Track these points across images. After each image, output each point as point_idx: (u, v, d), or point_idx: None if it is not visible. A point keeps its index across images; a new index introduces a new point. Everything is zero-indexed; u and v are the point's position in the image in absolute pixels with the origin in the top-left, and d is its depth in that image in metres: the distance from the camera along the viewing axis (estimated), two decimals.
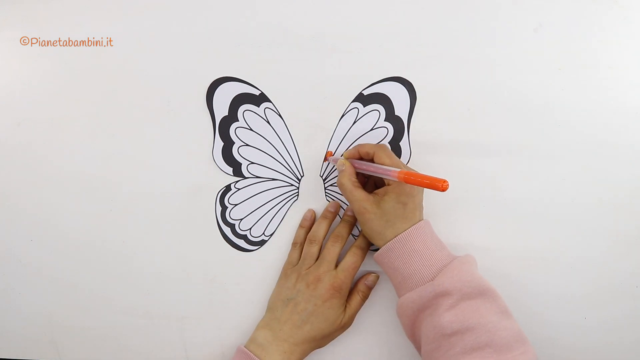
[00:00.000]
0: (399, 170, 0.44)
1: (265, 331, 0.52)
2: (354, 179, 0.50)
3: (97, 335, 0.59)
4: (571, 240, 0.54)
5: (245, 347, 0.51)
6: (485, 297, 0.45)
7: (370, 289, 0.55)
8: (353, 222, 0.54)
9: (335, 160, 0.52)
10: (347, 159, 0.51)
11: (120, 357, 0.59)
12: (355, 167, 0.50)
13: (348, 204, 0.55)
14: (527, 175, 0.54)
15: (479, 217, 0.54)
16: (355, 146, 0.52)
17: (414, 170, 0.50)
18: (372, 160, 0.49)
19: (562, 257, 0.55)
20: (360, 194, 0.49)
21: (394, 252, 0.48)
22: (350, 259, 0.52)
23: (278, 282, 0.56)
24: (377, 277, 0.55)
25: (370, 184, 0.53)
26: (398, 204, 0.47)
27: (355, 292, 0.54)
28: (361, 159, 0.51)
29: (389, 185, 0.48)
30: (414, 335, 0.49)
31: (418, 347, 0.50)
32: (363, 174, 0.52)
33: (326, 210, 0.55)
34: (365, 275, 0.55)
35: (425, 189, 0.50)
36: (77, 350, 0.59)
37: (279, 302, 0.53)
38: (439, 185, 0.39)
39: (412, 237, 0.47)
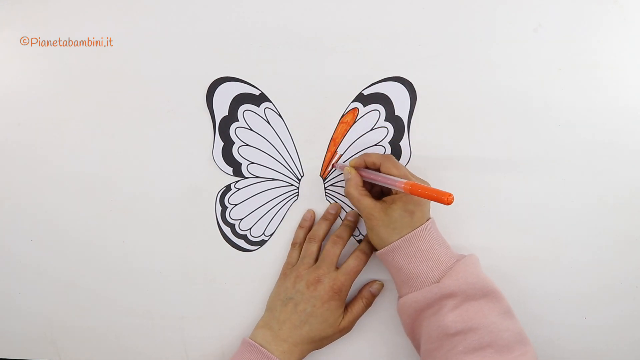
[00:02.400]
0: (405, 181, 0.44)
1: (265, 330, 0.52)
2: (360, 187, 0.50)
3: (97, 335, 0.59)
4: (571, 240, 0.54)
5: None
6: (489, 298, 0.45)
7: (374, 296, 0.55)
8: (353, 226, 0.55)
9: (342, 168, 0.53)
10: (353, 167, 0.51)
11: (120, 357, 0.59)
12: (362, 176, 0.50)
13: (349, 206, 0.55)
14: (527, 175, 0.54)
15: (479, 217, 0.54)
16: (361, 155, 0.52)
17: (420, 179, 0.50)
18: (378, 170, 0.50)
19: (562, 257, 0.55)
20: (367, 202, 0.49)
21: (399, 252, 0.48)
22: (352, 262, 0.52)
23: (277, 282, 0.56)
24: (382, 286, 0.55)
25: (377, 189, 0.53)
26: (405, 213, 0.47)
27: (359, 298, 0.54)
28: (367, 168, 0.51)
29: (396, 193, 0.48)
30: (413, 333, 0.49)
31: (417, 346, 0.50)
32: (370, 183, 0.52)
33: (327, 212, 0.55)
34: (370, 282, 0.55)
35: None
36: (77, 350, 0.59)
37: (278, 302, 0.53)
38: (444, 199, 0.40)
39: (418, 238, 0.47)
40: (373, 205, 0.48)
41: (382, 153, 0.53)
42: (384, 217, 0.48)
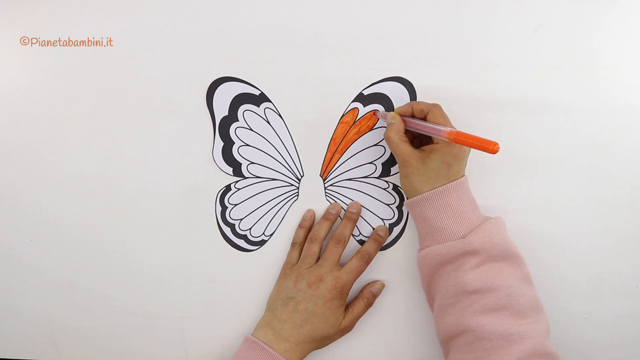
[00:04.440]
0: (450, 129, 0.44)
1: (266, 330, 0.52)
2: (401, 133, 0.49)
3: (97, 335, 0.59)
4: (571, 240, 0.54)
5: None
6: (511, 261, 0.45)
7: (375, 297, 0.55)
8: (355, 219, 0.54)
9: (385, 116, 0.51)
10: (398, 113, 0.50)
11: (120, 357, 0.59)
12: (406, 124, 0.49)
13: (348, 205, 0.55)
14: (527, 175, 0.54)
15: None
16: (409, 103, 0.51)
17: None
18: (424, 120, 0.49)
19: (562, 256, 0.55)
20: (406, 148, 0.48)
21: (428, 203, 0.47)
22: (355, 263, 0.52)
23: (277, 281, 0.56)
24: (383, 286, 0.55)
25: (416, 143, 0.52)
26: (443, 164, 0.47)
27: (360, 298, 0.54)
28: (413, 117, 0.50)
29: (436, 143, 0.48)
30: (430, 286, 0.49)
31: (431, 300, 0.50)
32: (412, 133, 0.51)
33: (327, 212, 0.55)
34: (371, 282, 0.55)
35: (472, 151, 0.49)
36: (77, 350, 0.59)
37: (279, 302, 0.53)
38: (490, 148, 0.39)
39: (450, 192, 0.47)
40: (411, 152, 0.48)
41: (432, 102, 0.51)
42: (420, 166, 0.47)
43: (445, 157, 0.47)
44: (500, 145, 0.39)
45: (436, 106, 0.49)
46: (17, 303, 0.59)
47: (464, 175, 0.49)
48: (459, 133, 0.42)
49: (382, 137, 0.54)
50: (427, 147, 0.48)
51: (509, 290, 0.44)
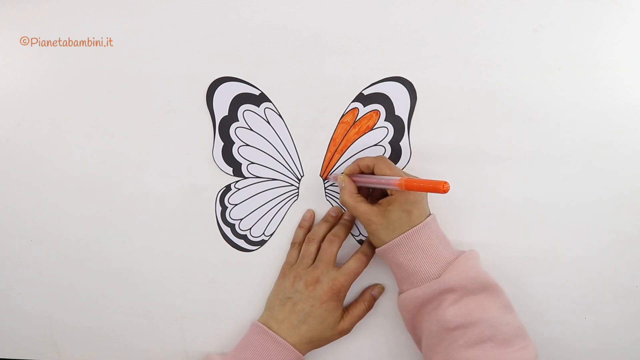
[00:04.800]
0: (399, 178, 0.44)
1: None
2: (355, 194, 0.50)
3: (97, 335, 0.59)
4: (571, 240, 0.54)
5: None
6: (489, 292, 0.46)
7: (375, 299, 0.55)
8: (350, 225, 0.55)
9: (335, 178, 0.52)
10: (347, 175, 0.51)
11: (120, 357, 0.59)
12: (356, 182, 0.50)
13: (344, 212, 0.55)
14: (527, 175, 0.54)
15: (478, 217, 0.54)
16: (354, 161, 0.52)
17: (414, 176, 0.50)
18: (372, 173, 0.49)
19: (562, 257, 0.55)
20: (364, 208, 0.48)
21: (399, 249, 0.48)
22: (353, 264, 0.52)
23: (276, 281, 0.56)
24: (383, 289, 0.56)
25: (377, 192, 0.53)
26: (403, 213, 0.47)
27: (360, 301, 0.54)
28: (362, 172, 0.51)
29: (392, 194, 0.48)
30: (414, 328, 0.49)
31: (418, 341, 0.50)
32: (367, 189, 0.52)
33: (328, 214, 0.55)
34: (372, 285, 0.56)
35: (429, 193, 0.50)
36: (77, 350, 0.59)
37: (277, 302, 0.53)
38: (440, 188, 0.39)
39: (418, 235, 0.47)
40: (370, 210, 0.48)
41: (375, 155, 0.52)
42: (382, 221, 0.48)
43: (403, 206, 0.47)
44: (450, 185, 0.39)
45: (380, 159, 0.49)
46: (17, 303, 0.59)
47: (430, 215, 0.49)
48: (408, 180, 0.43)
49: (382, 137, 0.54)
50: (384, 201, 0.49)
51: (491, 321, 0.44)
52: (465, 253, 0.48)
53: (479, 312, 0.44)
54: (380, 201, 0.49)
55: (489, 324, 0.44)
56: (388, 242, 0.48)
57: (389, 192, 0.49)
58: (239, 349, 0.52)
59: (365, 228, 0.50)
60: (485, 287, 0.46)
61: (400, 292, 0.50)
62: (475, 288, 0.45)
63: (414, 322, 0.49)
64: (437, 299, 0.46)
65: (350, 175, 0.51)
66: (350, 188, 0.50)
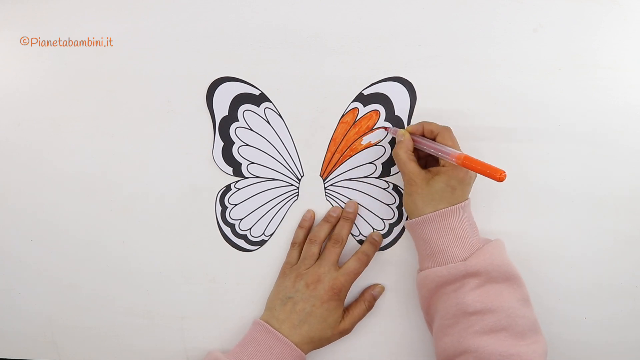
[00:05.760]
0: (458, 153, 0.44)
1: None
2: (410, 151, 0.49)
3: (97, 335, 0.59)
4: (571, 239, 0.54)
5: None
6: (511, 283, 0.46)
7: (375, 299, 0.55)
8: (353, 218, 0.54)
9: (395, 132, 0.52)
10: (409, 132, 0.51)
11: (120, 357, 0.59)
12: (416, 142, 0.50)
13: (345, 204, 0.55)
14: (527, 175, 0.54)
15: (478, 216, 0.54)
16: (420, 122, 0.51)
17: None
18: (433, 140, 0.49)
19: (562, 257, 0.55)
20: (413, 167, 0.48)
21: (430, 225, 0.47)
22: (353, 264, 0.52)
23: (276, 281, 0.56)
24: (384, 289, 0.56)
25: (423, 163, 0.52)
26: (447, 187, 0.47)
27: (360, 301, 0.54)
28: (423, 135, 0.50)
29: (442, 166, 0.48)
30: (429, 307, 0.49)
31: (430, 320, 0.50)
32: (419, 152, 0.51)
33: (328, 214, 0.55)
34: (372, 285, 0.56)
35: (478, 177, 0.49)
36: (77, 350, 0.59)
37: (277, 301, 0.53)
38: (496, 175, 0.39)
39: (452, 215, 0.47)
40: (417, 171, 0.48)
41: (442, 125, 0.51)
42: (424, 186, 0.47)
43: (450, 181, 0.47)
44: (506, 175, 0.39)
45: (447, 129, 0.49)
46: (17, 303, 0.59)
47: (467, 199, 0.49)
48: (467, 157, 0.43)
49: (382, 137, 0.54)
50: (433, 169, 0.49)
51: (509, 311, 0.44)
52: (493, 241, 0.48)
53: (499, 301, 0.44)
54: (429, 169, 0.49)
55: (506, 314, 0.44)
56: (422, 212, 0.48)
57: (441, 163, 0.48)
58: (241, 346, 0.52)
59: (405, 188, 0.49)
60: (508, 277, 0.46)
61: (421, 269, 0.50)
62: (498, 276, 0.45)
63: (431, 301, 0.49)
64: (460, 281, 0.46)
65: (411, 133, 0.50)
66: (408, 144, 0.49)
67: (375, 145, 0.54)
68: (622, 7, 0.51)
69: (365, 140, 0.54)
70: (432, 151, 0.48)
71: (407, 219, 0.52)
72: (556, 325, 0.55)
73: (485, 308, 0.44)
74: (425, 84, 0.53)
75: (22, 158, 0.56)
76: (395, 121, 0.53)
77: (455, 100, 0.53)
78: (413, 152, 0.50)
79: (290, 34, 0.53)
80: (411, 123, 0.53)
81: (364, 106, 0.54)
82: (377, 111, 0.54)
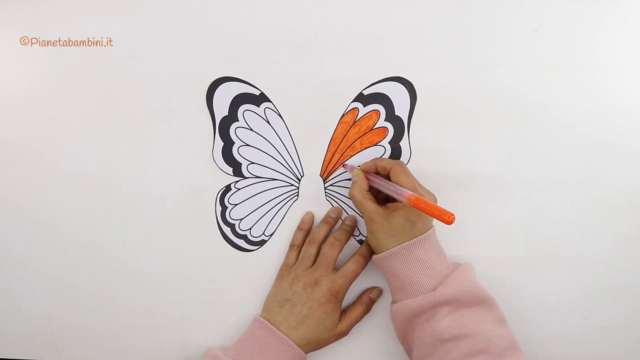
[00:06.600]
0: (410, 193, 0.44)
1: None
2: (365, 190, 0.50)
3: (97, 335, 0.59)
4: (571, 240, 0.54)
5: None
6: (483, 305, 0.46)
7: (373, 302, 0.55)
8: (351, 230, 0.55)
9: (352, 169, 0.52)
10: (362, 170, 0.51)
11: (120, 357, 0.59)
12: (370, 180, 0.50)
13: (352, 207, 0.55)
14: (527, 175, 0.54)
15: (478, 216, 0.54)
16: (373, 159, 0.52)
17: (428, 191, 0.50)
18: (388, 176, 0.49)
19: (562, 257, 0.55)
20: (370, 206, 0.48)
21: (396, 258, 0.48)
22: (351, 266, 0.52)
23: (274, 283, 0.56)
24: (381, 292, 0.56)
25: (383, 195, 0.53)
26: (407, 222, 0.47)
27: (358, 303, 0.55)
28: (377, 172, 0.51)
29: (400, 202, 0.48)
30: (406, 339, 0.50)
31: (409, 351, 0.50)
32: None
33: (327, 215, 0.55)
34: (369, 288, 0.56)
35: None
36: (77, 350, 0.59)
37: (275, 303, 0.53)
38: (445, 219, 0.40)
39: (417, 246, 0.47)
40: (375, 210, 0.48)
41: (395, 160, 0.52)
42: (384, 223, 0.48)
43: (409, 216, 0.47)
44: (455, 217, 0.40)
45: (398, 164, 0.49)
46: (17, 303, 0.59)
47: (431, 227, 0.49)
48: (417, 199, 0.43)
49: (382, 137, 0.54)
50: (391, 205, 0.49)
51: (485, 334, 0.44)
52: (461, 266, 0.48)
53: (473, 325, 0.44)
54: (388, 205, 0.49)
55: (482, 337, 0.44)
56: (386, 248, 0.48)
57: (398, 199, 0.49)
58: (240, 343, 0.52)
59: (366, 226, 0.50)
60: (479, 300, 0.46)
61: (393, 302, 0.50)
62: (469, 301, 0.45)
63: (405, 332, 0.49)
64: (432, 310, 0.46)
65: (365, 172, 0.51)
66: (362, 184, 0.50)
67: (376, 145, 0.54)
68: (622, 7, 0.51)
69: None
70: (385, 191, 0.48)
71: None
72: (556, 325, 0.55)
73: (460, 333, 0.44)
74: (425, 84, 0.53)
75: (22, 158, 0.56)
76: (396, 121, 0.53)
77: (455, 100, 0.53)
78: (369, 189, 0.50)
79: (290, 34, 0.53)
80: (411, 123, 0.53)
81: (364, 106, 0.54)
82: (377, 111, 0.54)
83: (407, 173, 0.49)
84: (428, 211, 0.42)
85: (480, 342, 0.43)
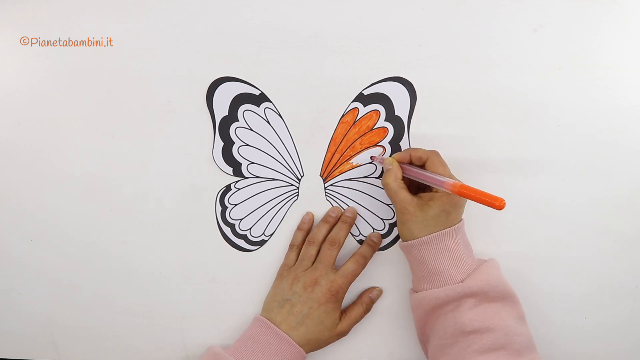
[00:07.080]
0: (453, 182, 0.43)
1: None
2: (399, 179, 0.49)
3: (97, 335, 0.59)
4: (571, 240, 0.54)
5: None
6: (507, 301, 0.46)
7: (373, 302, 0.55)
8: (351, 222, 0.55)
9: (382, 161, 0.52)
10: (396, 160, 0.50)
11: (120, 357, 0.59)
12: (405, 171, 0.49)
13: (345, 210, 0.55)
14: (527, 175, 0.54)
15: (478, 216, 0.54)
16: (407, 149, 0.51)
17: (459, 181, 0.49)
18: (422, 166, 0.49)
19: (562, 257, 0.55)
20: (404, 195, 0.48)
21: (426, 247, 0.47)
22: (351, 266, 0.52)
23: (274, 283, 0.56)
24: (381, 292, 0.56)
25: (415, 185, 0.51)
26: (442, 212, 0.47)
27: (358, 303, 0.55)
28: (411, 162, 0.50)
29: (436, 192, 0.48)
30: (425, 328, 0.49)
31: (424, 340, 0.50)
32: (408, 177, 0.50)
33: (327, 214, 0.55)
34: (369, 288, 0.56)
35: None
36: (77, 350, 0.59)
37: (275, 303, 0.53)
38: (496, 204, 0.38)
39: (448, 237, 0.47)
40: (409, 200, 0.47)
41: (430, 149, 0.50)
42: (418, 213, 0.47)
43: (445, 206, 0.47)
44: (506, 202, 0.38)
45: (434, 153, 0.48)
46: (17, 303, 0.59)
47: (461, 220, 0.49)
48: (463, 186, 0.42)
49: (382, 137, 0.54)
50: (425, 195, 0.48)
51: (507, 330, 0.44)
52: (488, 261, 0.49)
53: (496, 320, 0.44)
54: (421, 194, 0.49)
55: (504, 333, 0.44)
56: (417, 236, 0.47)
57: (433, 189, 0.48)
58: (241, 342, 0.52)
59: (397, 216, 0.49)
60: (504, 296, 0.46)
61: (416, 290, 0.50)
62: (494, 296, 0.45)
63: (426, 322, 0.49)
64: (457, 301, 0.46)
65: (399, 161, 0.50)
66: (397, 173, 0.49)
67: (376, 145, 0.54)
68: (622, 7, 0.51)
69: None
70: (424, 181, 0.47)
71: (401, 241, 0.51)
72: (556, 325, 0.55)
73: (483, 327, 0.44)
74: (425, 84, 0.53)
75: (22, 158, 0.56)
76: (396, 121, 0.53)
77: (455, 100, 0.53)
78: (402, 179, 0.49)
79: (290, 34, 0.53)
80: (411, 123, 0.53)
81: (364, 106, 0.54)
82: (377, 111, 0.54)
83: (444, 163, 0.48)
84: (476, 198, 0.40)
85: (501, 338, 0.44)
